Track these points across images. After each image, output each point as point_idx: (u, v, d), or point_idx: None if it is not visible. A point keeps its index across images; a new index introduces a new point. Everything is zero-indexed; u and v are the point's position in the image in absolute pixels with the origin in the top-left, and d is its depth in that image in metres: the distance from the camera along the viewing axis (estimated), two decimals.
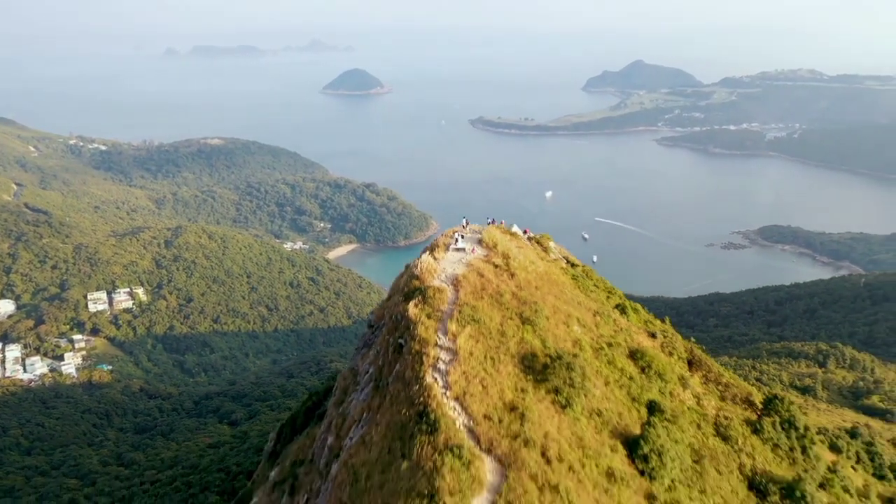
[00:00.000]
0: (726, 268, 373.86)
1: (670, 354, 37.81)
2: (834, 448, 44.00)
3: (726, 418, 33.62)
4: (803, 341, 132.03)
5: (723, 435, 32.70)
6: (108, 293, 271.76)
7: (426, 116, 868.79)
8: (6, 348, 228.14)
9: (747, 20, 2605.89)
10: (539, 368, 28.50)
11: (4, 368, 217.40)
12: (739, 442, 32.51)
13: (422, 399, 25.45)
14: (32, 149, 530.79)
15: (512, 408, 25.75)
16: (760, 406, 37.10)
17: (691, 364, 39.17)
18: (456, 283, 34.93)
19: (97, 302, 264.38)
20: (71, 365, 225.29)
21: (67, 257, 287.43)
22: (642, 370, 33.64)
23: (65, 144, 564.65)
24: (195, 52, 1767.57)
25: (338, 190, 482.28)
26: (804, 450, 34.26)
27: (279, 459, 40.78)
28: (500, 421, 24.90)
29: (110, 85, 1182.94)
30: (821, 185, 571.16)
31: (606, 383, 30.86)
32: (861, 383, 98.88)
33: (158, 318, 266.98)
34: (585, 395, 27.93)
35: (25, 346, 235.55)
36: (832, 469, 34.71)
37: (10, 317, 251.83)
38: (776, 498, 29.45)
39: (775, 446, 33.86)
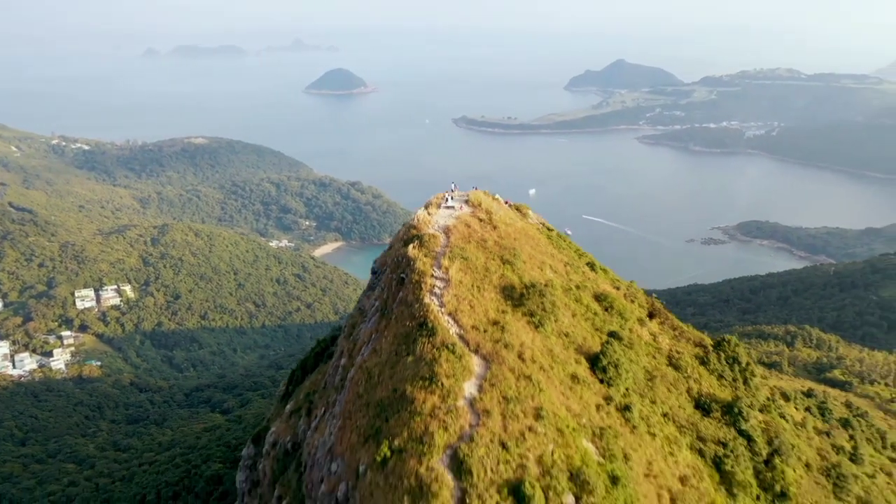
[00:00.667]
0: (706, 262, 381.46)
1: (632, 302, 43.02)
2: (785, 397, 49.28)
3: (678, 352, 38.88)
4: (774, 325, 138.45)
5: (674, 364, 37.99)
6: (96, 290, 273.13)
7: (410, 116, 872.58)
8: None
9: (727, 21, 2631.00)
10: (517, 296, 34.08)
11: None
12: (688, 370, 37.83)
13: (421, 313, 31.05)
14: (14, 148, 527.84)
15: (494, 322, 31.41)
16: (710, 347, 42.39)
17: (651, 315, 44.36)
18: (447, 231, 40.32)
19: (85, 299, 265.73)
20: (60, 361, 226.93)
21: (54, 255, 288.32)
22: (605, 309, 38.98)
23: (47, 144, 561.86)
24: (176, 52, 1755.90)
25: (323, 188, 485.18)
26: (745, 380, 39.57)
27: (292, 396, 45.37)
28: (485, 331, 30.55)
29: (91, 85, 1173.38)
30: (798, 181, 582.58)
31: (574, 315, 36.12)
32: (825, 359, 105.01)
33: (146, 314, 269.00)
34: (555, 320, 33.28)
35: (14, 343, 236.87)
36: (771, 398, 39.96)
37: None
38: (717, 414, 34.80)
39: (720, 376, 39.18)
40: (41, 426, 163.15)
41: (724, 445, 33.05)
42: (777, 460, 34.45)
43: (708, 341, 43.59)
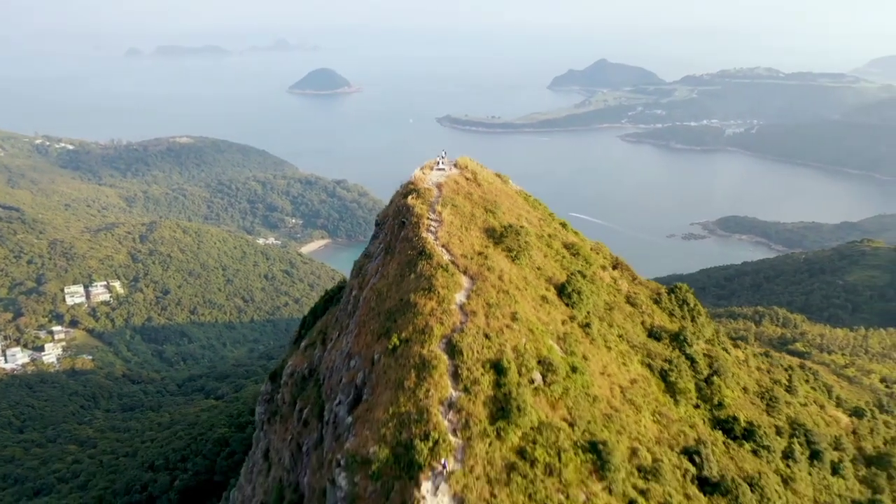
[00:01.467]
0: (686, 256, 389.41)
1: (597, 254, 49.42)
2: (736, 345, 55.68)
3: (635, 293, 45.18)
4: (745, 306, 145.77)
5: (631, 302, 44.41)
6: (85, 287, 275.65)
7: (394, 115, 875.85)
8: None
9: (706, 23, 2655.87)
10: (497, 235, 40.66)
11: None
12: (643, 307, 44.18)
13: (420, 244, 37.96)
14: None
15: (479, 253, 38.46)
16: (665, 292, 48.73)
17: (615, 267, 50.70)
18: (439, 186, 47.26)
19: (74, 295, 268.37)
20: (52, 355, 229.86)
21: (43, 252, 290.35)
22: (573, 255, 45.34)
23: (31, 144, 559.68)
24: (159, 53, 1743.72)
25: (309, 186, 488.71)
26: (693, 318, 45.96)
27: (305, 337, 50.96)
28: (472, 258, 37.60)
29: (72, 85, 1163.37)
30: (777, 178, 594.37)
31: (545, 256, 42.49)
32: (789, 335, 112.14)
33: (136, 309, 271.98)
34: (530, 256, 39.54)
35: (5, 338, 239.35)
36: (716, 335, 46.37)
37: None
38: (666, 341, 41.01)
39: (671, 314, 45.53)
40: (38, 415, 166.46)
41: (670, 362, 39.33)
42: (716, 378, 40.75)
43: (663, 289, 50.00)
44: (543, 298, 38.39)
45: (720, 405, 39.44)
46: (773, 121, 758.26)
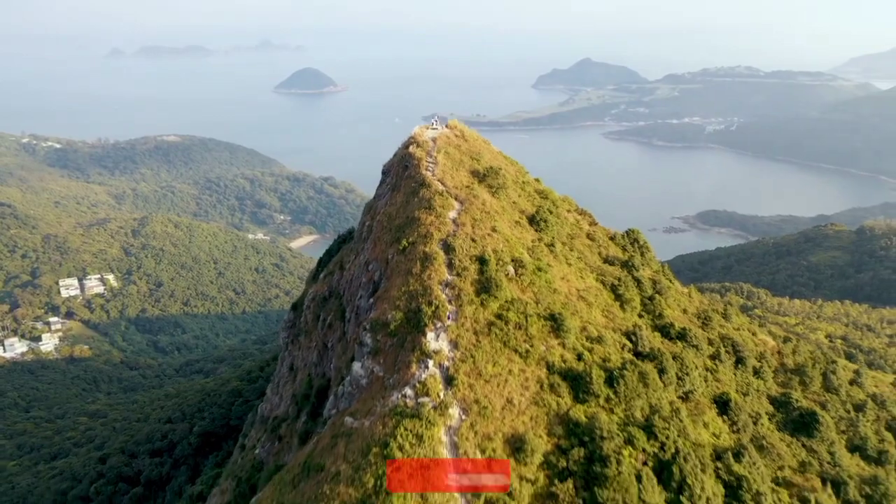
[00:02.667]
0: (666, 248, 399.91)
1: (564, 201, 58.84)
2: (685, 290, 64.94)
3: (594, 231, 54.46)
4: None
5: (590, 238, 53.67)
6: (80, 280, 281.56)
7: (381, 114, 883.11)
8: None
9: (687, 23, 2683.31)
10: (481, 175, 50.11)
11: None
12: (600, 242, 53.38)
13: (421, 178, 47.50)
14: None
15: (466, 186, 47.62)
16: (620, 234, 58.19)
17: (580, 214, 60.13)
18: (434, 140, 56.64)
19: (69, 288, 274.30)
20: (49, 344, 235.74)
21: (37, 247, 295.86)
22: (543, 198, 54.77)
23: (17, 143, 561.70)
24: (141, 53, 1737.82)
25: (296, 183, 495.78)
26: (642, 253, 55.14)
27: (323, 270, 59.63)
28: (461, 189, 47.67)
29: (55, 86, 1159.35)
30: (755, 173, 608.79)
31: (519, 196, 51.91)
32: (750, 304, 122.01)
33: (130, 301, 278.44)
34: (506, 192, 49.04)
35: (3, 329, 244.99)
36: (662, 267, 55.67)
37: None
38: (618, 266, 50.24)
39: (623, 248, 54.76)
40: (43, 396, 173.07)
41: (620, 280, 48.42)
42: (658, 297, 49.77)
43: (618, 232, 59.51)
44: (517, 223, 48.55)
45: (661, 316, 48.46)
46: (753, 118, 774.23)
